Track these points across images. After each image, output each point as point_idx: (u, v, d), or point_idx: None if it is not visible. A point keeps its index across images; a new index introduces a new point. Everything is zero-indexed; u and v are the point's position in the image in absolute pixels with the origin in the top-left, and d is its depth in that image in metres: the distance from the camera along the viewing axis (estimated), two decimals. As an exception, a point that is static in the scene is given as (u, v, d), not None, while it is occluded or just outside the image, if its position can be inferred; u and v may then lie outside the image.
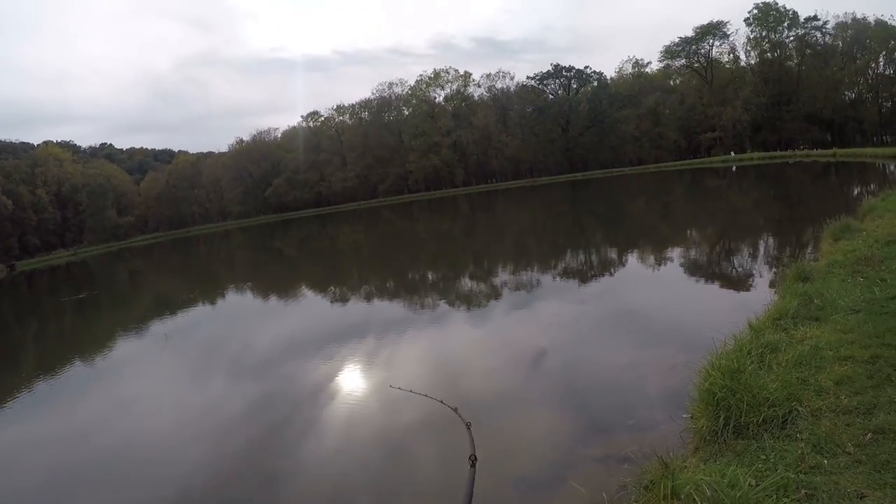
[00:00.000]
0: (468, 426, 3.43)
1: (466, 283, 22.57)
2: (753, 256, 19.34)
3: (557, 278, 20.65)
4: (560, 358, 11.38)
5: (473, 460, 2.99)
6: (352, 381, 11.84)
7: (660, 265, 20.32)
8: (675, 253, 21.89)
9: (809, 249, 17.03)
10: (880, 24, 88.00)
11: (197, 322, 22.63)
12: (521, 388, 9.96)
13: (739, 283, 15.69)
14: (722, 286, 15.69)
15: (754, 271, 16.53)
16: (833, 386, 5.81)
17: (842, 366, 6.21)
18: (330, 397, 10.93)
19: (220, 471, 8.59)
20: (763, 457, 4.82)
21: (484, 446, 7.08)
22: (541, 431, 8.18)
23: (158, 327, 21.91)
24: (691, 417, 6.26)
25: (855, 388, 5.66)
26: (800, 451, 4.73)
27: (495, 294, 19.11)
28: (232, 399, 12.03)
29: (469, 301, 18.66)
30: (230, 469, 8.59)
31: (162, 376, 15.07)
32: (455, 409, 3.77)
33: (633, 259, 22.42)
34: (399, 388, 5.39)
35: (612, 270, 20.98)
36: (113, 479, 8.98)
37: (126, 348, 19.35)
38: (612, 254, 25.08)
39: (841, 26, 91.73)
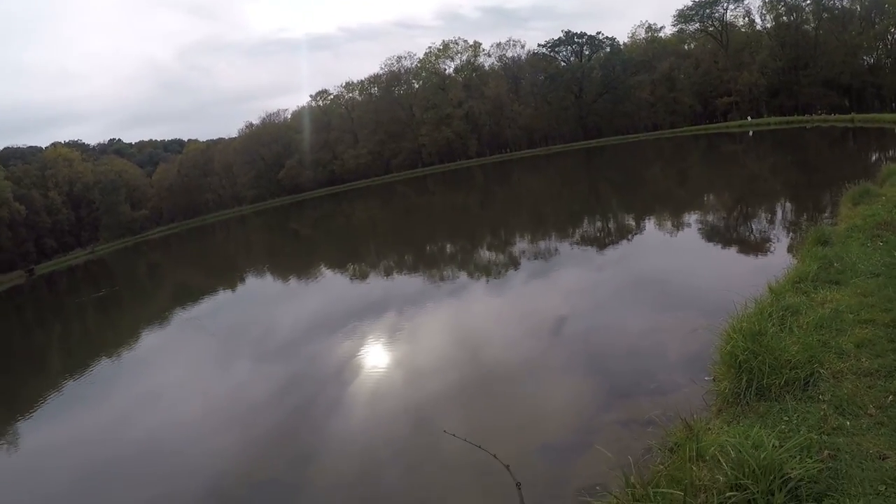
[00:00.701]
0: (518, 486, 3.45)
1: (485, 254, 22.79)
2: (771, 221, 19.26)
3: (575, 246, 20.76)
4: (581, 325, 11.55)
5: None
6: (371, 357, 12.03)
7: (677, 231, 20.32)
8: (693, 218, 21.80)
9: (828, 214, 16.93)
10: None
11: (219, 309, 22.80)
12: (543, 356, 10.10)
13: (758, 247, 15.67)
14: (740, 251, 15.74)
15: (773, 236, 16.48)
16: (854, 349, 5.85)
17: (863, 329, 6.25)
18: (351, 376, 10.98)
19: (249, 457, 8.64)
20: (786, 418, 4.90)
21: (509, 412, 7.20)
22: (565, 398, 8.32)
23: (181, 317, 22.15)
24: (714, 380, 6.36)
25: (876, 351, 5.70)
26: (822, 413, 4.80)
27: (514, 264, 19.29)
28: (258, 383, 12.12)
29: (488, 271, 18.84)
30: (259, 454, 8.65)
31: (187, 367, 15.21)
32: (507, 467, 3.76)
33: (650, 225, 22.51)
34: (454, 436, 5.16)
35: (630, 237, 21.09)
36: (143, 473, 9.07)
37: (150, 341, 19.51)
38: (629, 220, 25.10)
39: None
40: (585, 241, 21.56)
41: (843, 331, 6.32)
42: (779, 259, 12.34)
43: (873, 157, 34.06)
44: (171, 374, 14.77)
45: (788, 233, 16.21)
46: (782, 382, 5.42)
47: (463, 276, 18.89)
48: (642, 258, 16.99)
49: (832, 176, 24.72)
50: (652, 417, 6.14)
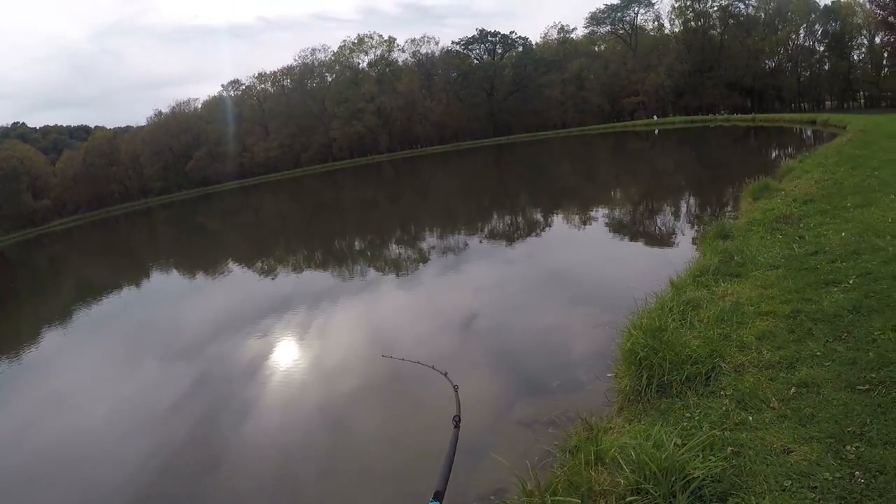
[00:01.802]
0: (456, 389, 3.34)
1: (394, 250, 22.54)
2: (676, 215, 19.74)
3: (484, 241, 20.67)
4: (486, 323, 11.31)
5: (458, 421, 2.90)
6: (284, 354, 11.78)
7: (584, 226, 20.47)
8: (600, 213, 22.08)
9: (729, 208, 17.35)
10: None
11: (123, 306, 21.50)
12: (448, 355, 9.71)
13: (662, 241, 15.99)
14: (646, 244, 15.98)
15: (677, 230, 16.88)
16: (755, 341, 5.77)
17: (763, 321, 6.20)
18: (265, 375, 10.72)
19: (157, 464, 8.20)
20: (688, 415, 4.74)
21: (416, 413, 6.88)
22: (470, 398, 7.99)
23: (83, 315, 20.88)
24: (615, 377, 6.17)
25: (777, 343, 5.63)
26: (724, 408, 4.65)
27: (423, 259, 19.07)
28: (165, 386, 11.55)
29: (398, 267, 18.61)
30: (167, 462, 8.24)
31: (90, 368, 14.32)
32: (445, 374, 3.69)
33: (558, 220, 22.69)
34: (391, 357, 5.41)
35: (538, 232, 21.18)
36: (46, 483, 8.51)
37: (50, 341, 18.11)
38: (538, 215, 25.32)
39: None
40: (494, 236, 21.50)
41: (744, 323, 6.25)
42: (682, 253, 12.48)
43: (773, 154, 35.78)
44: (73, 377, 13.74)
45: (692, 226, 16.57)
46: (683, 378, 5.26)
47: (372, 271, 18.61)
48: (549, 254, 16.98)
49: (734, 171, 25.66)
50: (553, 418, 5.96)
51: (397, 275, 17.54)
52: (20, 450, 9.97)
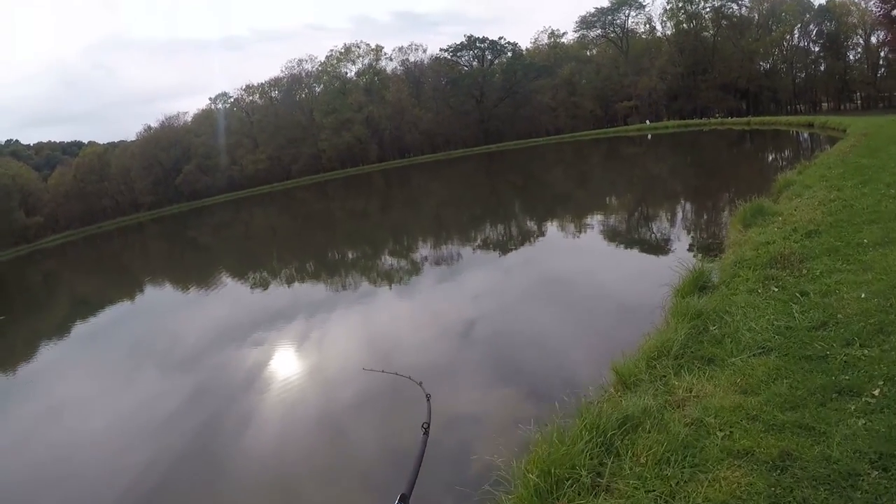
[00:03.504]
0: (428, 398, 3.45)
1: (386, 260, 23.08)
2: (654, 250, 16.45)
3: (470, 253, 20.87)
4: (461, 332, 11.60)
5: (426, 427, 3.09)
6: (283, 365, 11.96)
7: (562, 247, 19.30)
8: (574, 239, 20.58)
9: (718, 229, 15.57)
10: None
11: (118, 321, 21.75)
12: (427, 364, 9.94)
13: (625, 287, 12.63)
14: (608, 308, 11.63)
15: (651, 269, 13.24)
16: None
17: (732, 469, 3.81)
18: (264, 384, 10.89)
19: (156, 477, 8.15)
20: None
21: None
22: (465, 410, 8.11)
23: (77, 329, 21.33)
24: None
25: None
26: None
27: (415, 270, 19.40)
28: (163, 399, 11.43)
29: (389, 278, 18.93)
30: (166, 474, 8.20)
31: (88, 383, 14.19)
32: (420, 383, 3.77)
33: (539, 236, 22.27)
34: (371, 370, 6.08)
35: (516, 246, 20.96)
36: (43, 493, 8.59)
37: (45, 355, 18.27)
38: (522, 226, 25.52)
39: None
40: (481, 247, 21.89)
41: (701, 471, 3.89)
42: (648, 304, 9.21)
43: (769, 157, 35.40)
44: (71, 391, 13.77)
45: (665, 256, 14.37)
46: None
47: (365, 282, 19.00)
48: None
49: (724, 183, 25.14)
50: None
51: (389, 286, 17.80)
52: (18, 463, 10.07)
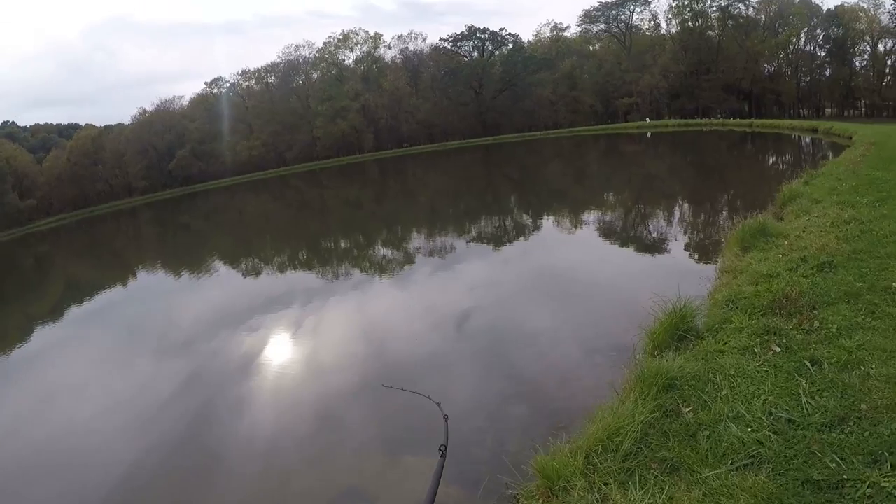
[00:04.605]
0: (446, 419, 3.59)
1: (379, 250, 23.27)
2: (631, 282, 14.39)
3: (461, 246, 20.49)
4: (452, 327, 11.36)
5: (443, 450, 3.07)
6: (273, 357, 11.76)
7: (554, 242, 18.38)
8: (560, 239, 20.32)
9: (712, 244, 14.33)
10: (804, 1, 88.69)
11: (111, 305, 21.65)
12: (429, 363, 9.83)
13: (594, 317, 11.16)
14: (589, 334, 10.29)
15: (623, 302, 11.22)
16: None
17: None
18: (258, 375, 10.79)
19: (149, 466, 8.06)
20: None
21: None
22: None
23: (71, 314, 21.19)
24: None
25: None
26: None
27: (408, 261, 19.42)
28: (156, 386, 11.37)
29: (382, 268, 19.02)
30: (159, 463, 8.12)
31: (81, 367, 14.10)
32: (438, 404, 3.95)
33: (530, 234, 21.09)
34: (391, 387, 5.81)
35: (506, 243, 20.28)
36: (36, 482, 8.43)
37: (37, 339, 18.11)
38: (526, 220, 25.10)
39: (766, 0, 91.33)
40: (473, 240, 21.74)
41: None
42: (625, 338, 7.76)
43: (770, 161, 35.15)
44: (64, 375, 13.63)
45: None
46: None
47: (357, 272, 19.05)
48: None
49: (721, 188, 24.86)
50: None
51: (381, 277, 17.79)
52: (8, 449, 9.92)
